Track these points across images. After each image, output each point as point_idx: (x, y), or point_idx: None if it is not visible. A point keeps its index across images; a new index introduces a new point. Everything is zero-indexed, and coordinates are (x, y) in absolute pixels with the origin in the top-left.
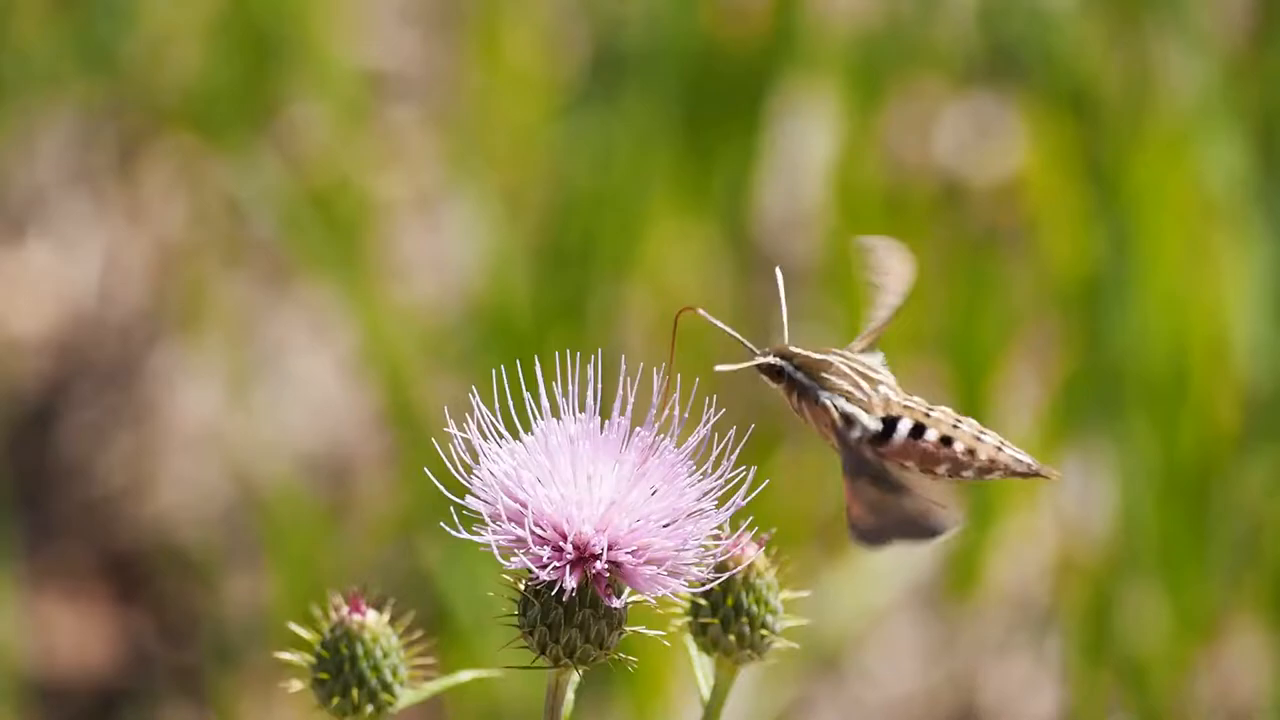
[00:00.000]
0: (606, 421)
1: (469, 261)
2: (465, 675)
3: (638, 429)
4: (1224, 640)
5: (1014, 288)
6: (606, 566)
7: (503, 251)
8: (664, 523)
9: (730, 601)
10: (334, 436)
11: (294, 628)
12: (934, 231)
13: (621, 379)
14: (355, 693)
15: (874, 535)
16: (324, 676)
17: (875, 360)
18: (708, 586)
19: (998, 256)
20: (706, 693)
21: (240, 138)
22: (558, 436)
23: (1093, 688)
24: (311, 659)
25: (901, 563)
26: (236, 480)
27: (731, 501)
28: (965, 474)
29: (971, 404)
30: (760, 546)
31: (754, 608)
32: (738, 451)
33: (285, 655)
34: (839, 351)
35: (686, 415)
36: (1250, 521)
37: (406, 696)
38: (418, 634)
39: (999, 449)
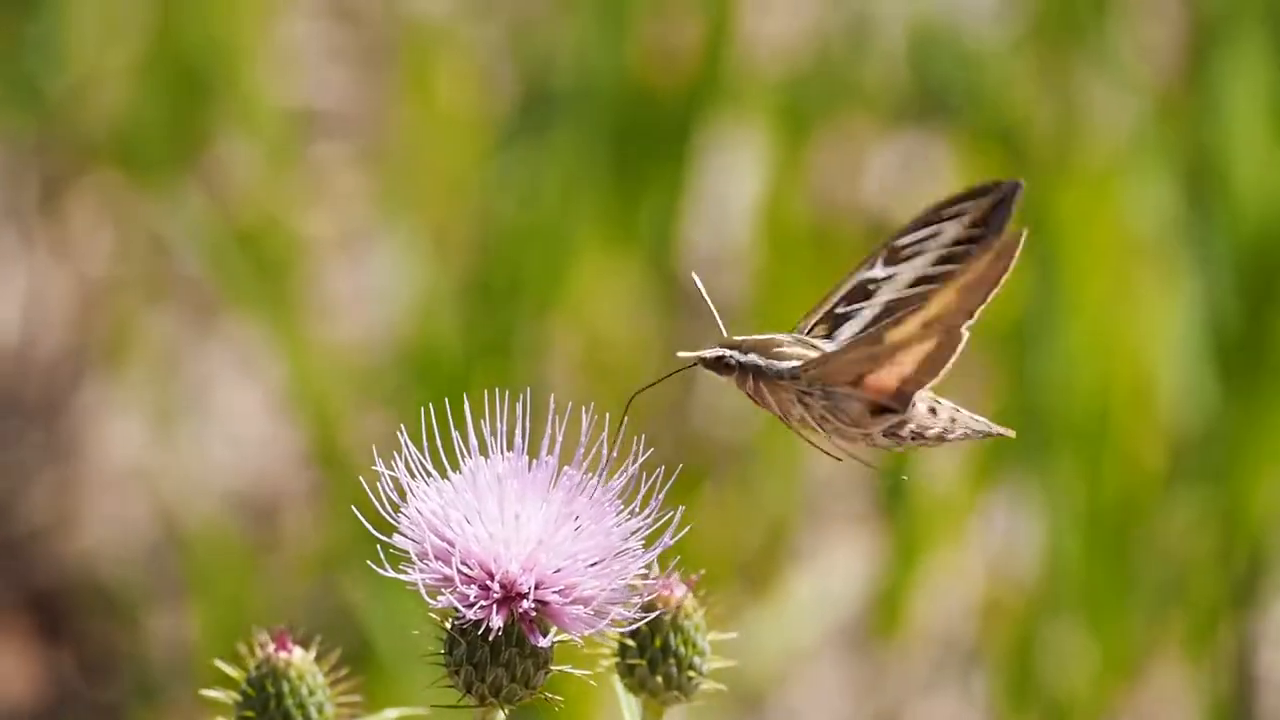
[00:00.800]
0: (534, 460)
1: (397, 299)
2: (391, 714)
3: (565, 468)
4: (1148, 680)
5: None
6: (533, 606)
7: (430, 289)
8: (591, 562)
9: (658, 643)
10: (260, 474)
11: (220, 665)
12: None
13: (550, 417)
14: None
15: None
16: (249, 715)
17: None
18: (634, 626)
19: None
20: None
21: (167, 174)
22: (486, 475)
23: None
24: (237, 696)
25: (826, 601)
26: (161, 517)
27: (659, 541)
28: (929, 434)
29: None
30: (689, 587)
31: (681, 649)
32: (665, 490)
33: (210, 693)
34: (786, 334)
35: (615, 454)
36: (1174, 562)
37: None
38: (344, 671)
39: (956, 409)
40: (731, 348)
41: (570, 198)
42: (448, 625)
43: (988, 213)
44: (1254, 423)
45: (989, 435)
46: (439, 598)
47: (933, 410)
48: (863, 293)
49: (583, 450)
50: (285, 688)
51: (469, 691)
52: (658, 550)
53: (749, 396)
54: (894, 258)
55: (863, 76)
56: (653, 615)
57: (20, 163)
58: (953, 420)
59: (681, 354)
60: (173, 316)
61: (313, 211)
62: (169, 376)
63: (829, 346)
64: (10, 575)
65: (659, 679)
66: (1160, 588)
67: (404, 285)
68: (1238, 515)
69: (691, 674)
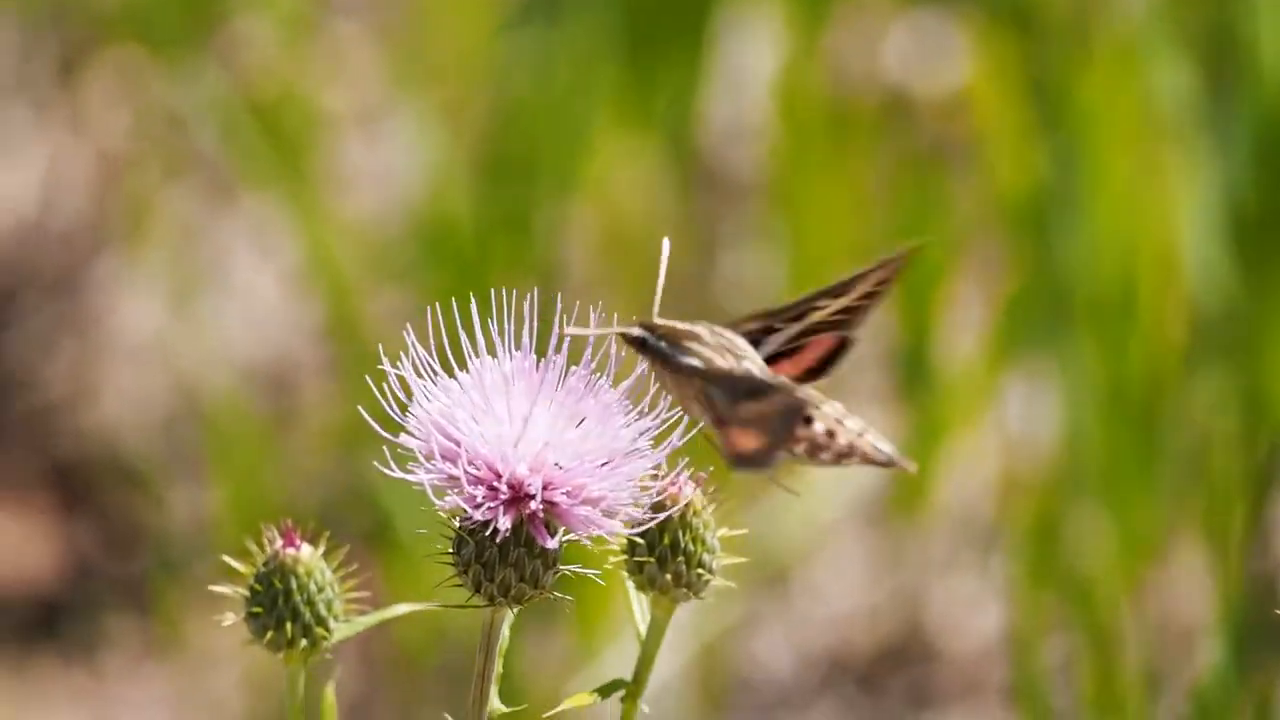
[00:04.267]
0: (544, 359)
1: (412, 175)
2: (401, 608)
3: (574, 367)
4: (1169, 560)
5: (959, 204)
6: (541, 507)
7: (445, 166)
8: (600, 462)
9: (667, 540)
10: (276, 349)
11: (229, 560)
12: (879, 146)
13: (558, 316)
14: (289, 627)
15: (763, 455)
16: (258, 611)
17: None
18: (644, 527)
19: (943, 172)
20: (643, 629)
21: (184, 49)
22: (494, 374)
23: (1037, 606)
24: (245, 592)
25: (848, 480)
26: (179, 391)
27: (667, 441)
28: (822, 455)
29: (917, 319)
30: (698, 484)
31: (690, 546)
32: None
33: (219, 588)
34: (707, 324)
35: (625, 353)
36: (1196, 440)
37: (341, 630)
38: (354, 565)
39: (860, 435)
40: (648, 329)
41: (586, 74)
42: (455, 524)
43: (876, 285)
44: (1273, 301)
45: (890, 465)
46: (445, 498)
47: (830, 433)
48: (797, 316)
49: (590, 349)
50: (293, 584)
51: (478, 591)
52: (665, 451)
53: (655, 381)
54: (811, 308)
55: None
56: (663, 516)
57: (36, 37)
58: (851, 446)
59: (572, 330)
60: (190, 192)
61: (328, 87)
62: (186, 251)
63: (748, 351)
64: (30, 448)
65: (668, 576)
66: (1182, 466)
67: (419, 161)
68: (1258, 394)
69: (701, 571)
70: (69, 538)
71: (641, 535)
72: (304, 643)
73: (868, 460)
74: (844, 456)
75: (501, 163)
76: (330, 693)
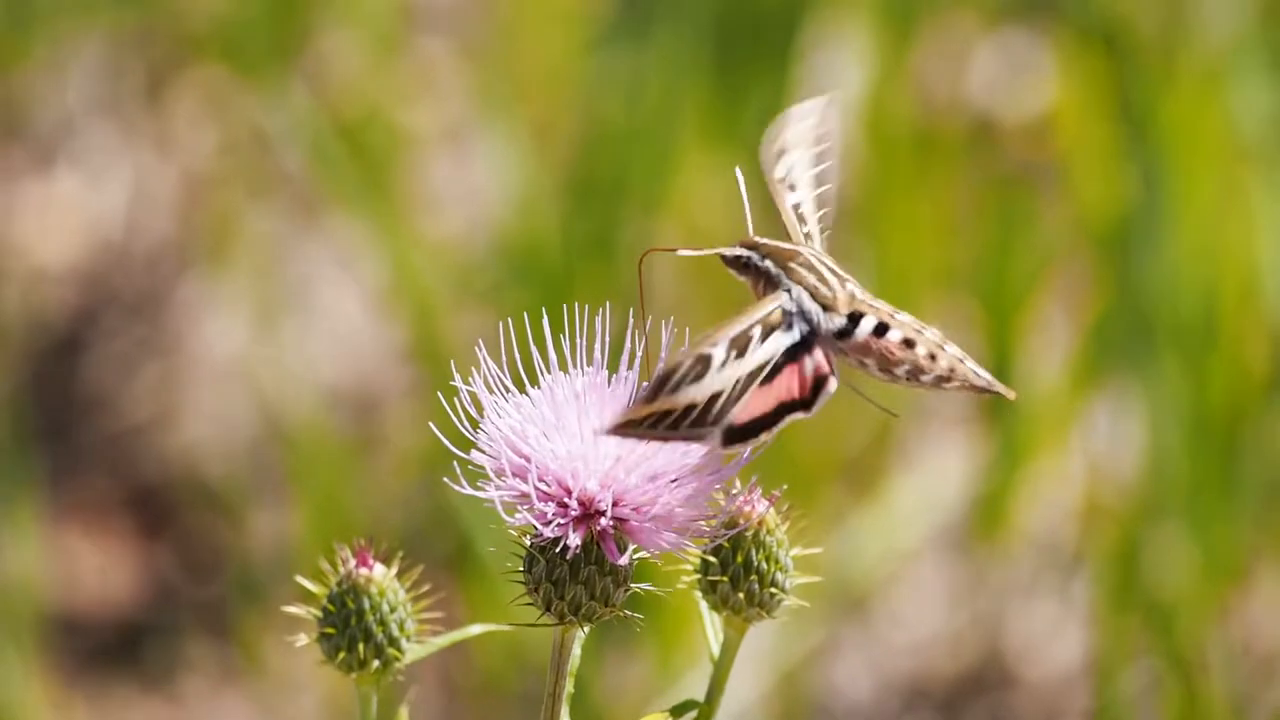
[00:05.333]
0: (615, 375)
1: (498, 195)
2: (475, 629)
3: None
4: (1252, 585)
5: (1045, 226)
6: (611, 523)
7: (532, 185)
8: (670, 479)
9: (740, 559)
10: (360, 370)
11: (302, 581)
12: (965, 168)
13: (629, 332)
14: (361, 648)
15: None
16: (330, 631)
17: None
18: (716, 543)
19: (1029, 194)
20: (716, 650)
21: (270, 68)
22: (565, 390)
23: (1119, 631)
24: (318, 613)
25: (929, 503)
26: (262, 413)
27: (738, 458)
28: (924, 379)
29: (1001, 343)
30: (771, 502)
31: (764, 565)
32: None
33: (292, 609)
34: (807, 247)
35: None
36: (1278, 465)
37: (414, 651)
38: (426, 586)
39: (961, 360)
40: (751, 248)
41: (673, 94)
42: (526, 541)
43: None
44: None
45: (989, 392)
46: (516, 515)
47: (932, 356)
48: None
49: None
50: (366, 604)
51: (548, 609)
52: (736, 467)
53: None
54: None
55: None
56: (734, 532)
57: (123, 55)
58: (951, 370)
59: (684, 251)
60: (274, 212)
61: (414, 106)
62: (271, 272)
63: (848, 274)
64: (112, 471)
65: (741, 595)
66: (1265, 491)
67: (505, 181)
68: None
69: (774, 590)
70: (150, 561)
71: (715, 554)
72: (376, 663)
73: (967, 385)
74: (944, 380)
75: (588, 182)
76: (404, 714)
